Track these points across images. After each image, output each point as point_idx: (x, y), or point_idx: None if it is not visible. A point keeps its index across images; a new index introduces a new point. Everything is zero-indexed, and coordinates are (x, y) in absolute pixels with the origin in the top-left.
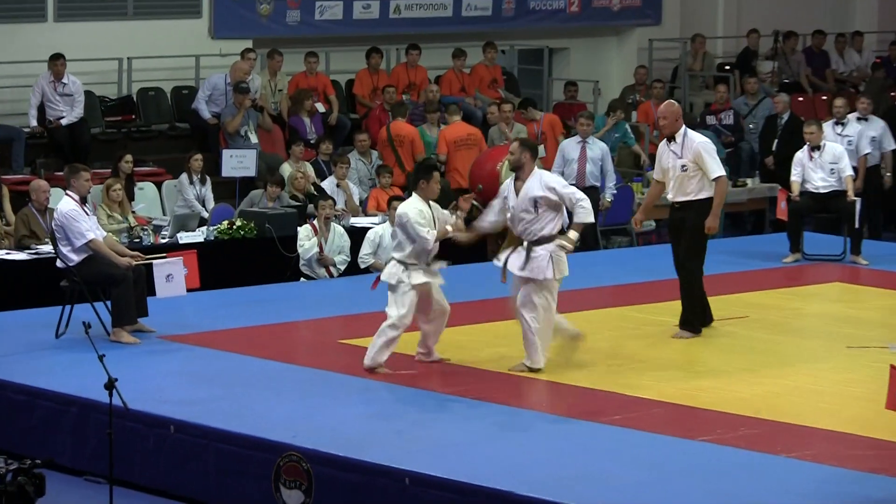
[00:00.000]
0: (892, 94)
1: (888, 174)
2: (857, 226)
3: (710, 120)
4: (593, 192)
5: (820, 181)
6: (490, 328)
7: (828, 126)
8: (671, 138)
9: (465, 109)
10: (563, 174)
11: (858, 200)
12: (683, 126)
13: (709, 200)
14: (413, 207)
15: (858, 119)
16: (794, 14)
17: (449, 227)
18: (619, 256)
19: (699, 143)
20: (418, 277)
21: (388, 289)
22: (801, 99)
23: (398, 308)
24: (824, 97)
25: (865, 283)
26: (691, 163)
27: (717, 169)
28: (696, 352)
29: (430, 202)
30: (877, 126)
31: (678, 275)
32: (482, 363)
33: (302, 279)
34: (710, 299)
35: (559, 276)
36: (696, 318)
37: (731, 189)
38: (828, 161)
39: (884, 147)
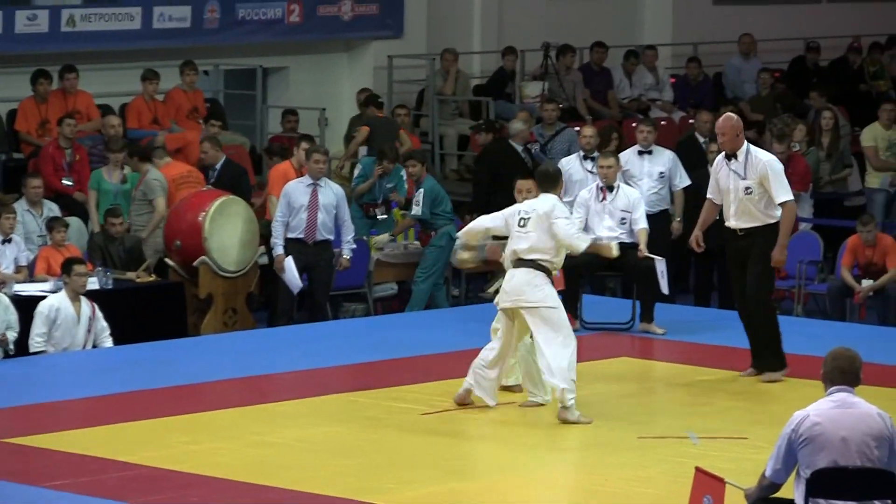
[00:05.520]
0: (690, 120)
1: (678, 220)
2: (665, 290)
3: None
4: (326, 248)
5: (606, 231)
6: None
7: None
8: (731, 156)
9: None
10: (288, 225)
11: (662, 261)
12: (746, 143)
13: (777, 226)
14: None
15: (640, 153)
16: (569, 25)
17: None
18: (355, 328)
19: (766, 163)
20: None
21: None
22: (577, 129)
23: None
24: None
25: (660, 357)
26: (757, 184)
27: (785, 193)
28: (394, 449)
29: None
30: (664, 159)
31: (742, 311)
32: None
33: None
34: (437, 384)
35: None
36: (779, 356)
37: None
38: (619, 207)
39: (674, 185)
